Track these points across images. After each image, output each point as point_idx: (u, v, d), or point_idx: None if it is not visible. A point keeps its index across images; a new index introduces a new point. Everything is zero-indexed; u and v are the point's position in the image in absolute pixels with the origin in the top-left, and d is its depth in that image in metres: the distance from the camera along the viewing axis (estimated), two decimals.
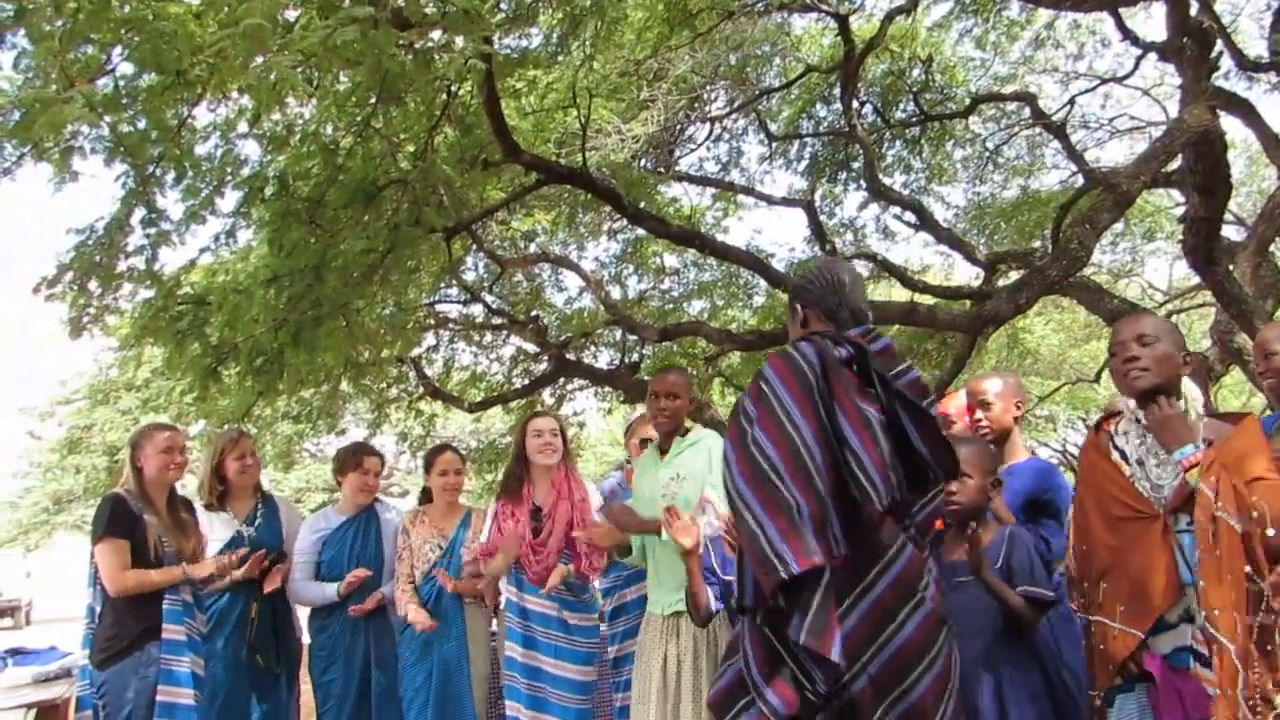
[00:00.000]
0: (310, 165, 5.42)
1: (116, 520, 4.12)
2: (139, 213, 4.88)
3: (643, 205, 8.18)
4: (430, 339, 12.04)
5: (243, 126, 5.55)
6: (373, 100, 5.14)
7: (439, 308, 11.60)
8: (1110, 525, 2.75)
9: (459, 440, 17.91)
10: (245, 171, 5.28)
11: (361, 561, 4.84)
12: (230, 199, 5.37)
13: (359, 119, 5.41)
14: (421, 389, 11.90)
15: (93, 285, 5.10)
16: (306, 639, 4.95)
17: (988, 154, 12.35)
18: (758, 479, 2.27)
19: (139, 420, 13.41)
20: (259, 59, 3.31)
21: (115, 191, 4.99)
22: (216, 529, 4.57)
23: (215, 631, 4.45)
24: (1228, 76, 9.02)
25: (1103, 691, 2.77)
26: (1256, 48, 8.97)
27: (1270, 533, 2.27)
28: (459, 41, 4.54)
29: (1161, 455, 2.68)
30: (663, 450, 4.08)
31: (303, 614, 5.00)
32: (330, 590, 4.72)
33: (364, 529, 4.93)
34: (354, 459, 4.98)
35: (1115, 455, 2.80)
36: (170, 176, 4.97)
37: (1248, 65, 8.69)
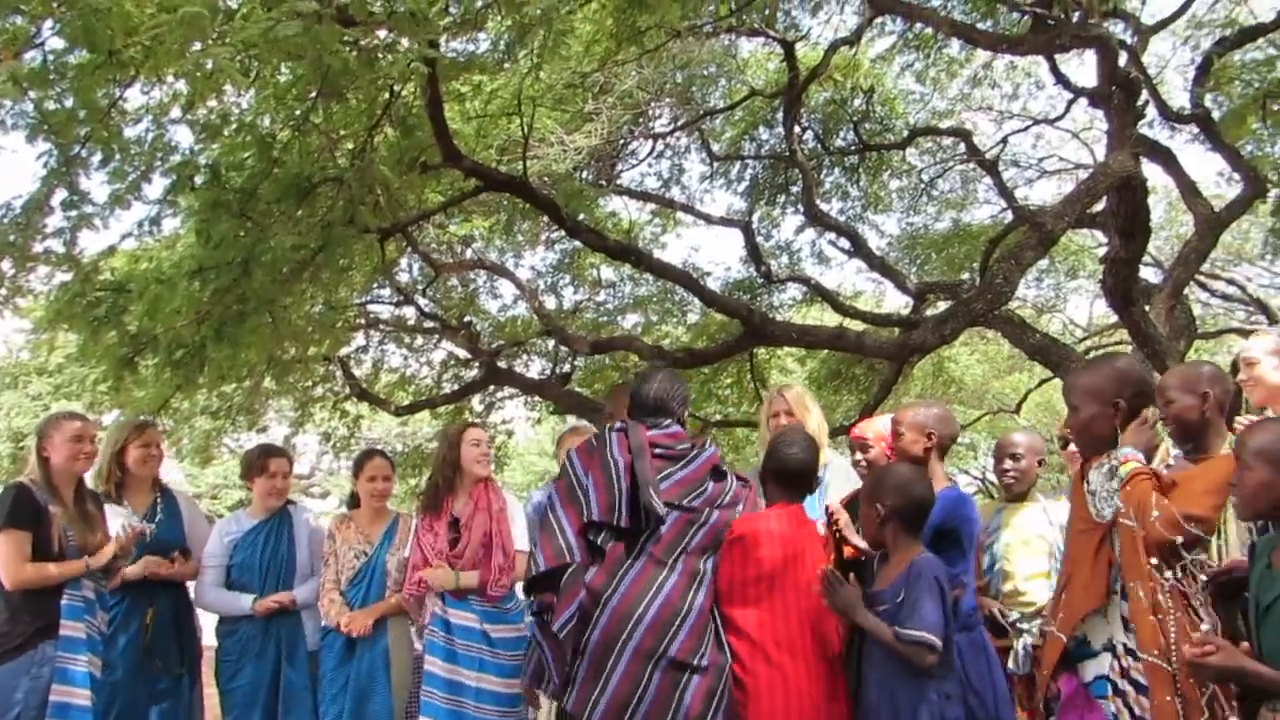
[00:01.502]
0: (245, 156, 5.30)
1: (19, 510, 3.99)
2: (60, 194, 4.72)
3: (582, 218, 8.17)
4: (360, 339, 11.88)
5: (176, 112, 5.42)
6: (313, 95, 5.05)
7: (370, 308, 11.45)
8: (1073, 542, 2.93)
9: (384, 443, 17.65)
10: (176, 159, 5.13)
11: (274, 565, 4.78)
12: (158, 185, 5.23)
13: (298, 113, 5.31)
14: (348, 389, 11.72)
15: (6, 265, 4.93)
16: (209, 642, 4.84)
17: (922, 186, 12.63)
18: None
19: (49, 407, 13.00)
20: (196, 45, 3.24)
21: (36, 170, 4.82)
22: (110, 522, 4.42)
23: (114, 634, 4.32)
24: (1152, 125, 9.38)
25: (1043, 699, 2.87)
26: (1180, 99, 9.33)
27: (1154, 514, 2.53)
28: (404, 42, 4.50)
29: (1109, 495, 2.81)
30: None
31: (208, 617, 4.88)
32: (244, 602, 4.64)
33: (276, 532, 4.86)
34: (259, 462, 4.90)
35: (1085, 485, 2.93)
36: (96, 158, 4.81)
37: (1171, 116, 9.01)
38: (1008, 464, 4.32)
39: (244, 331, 5.03)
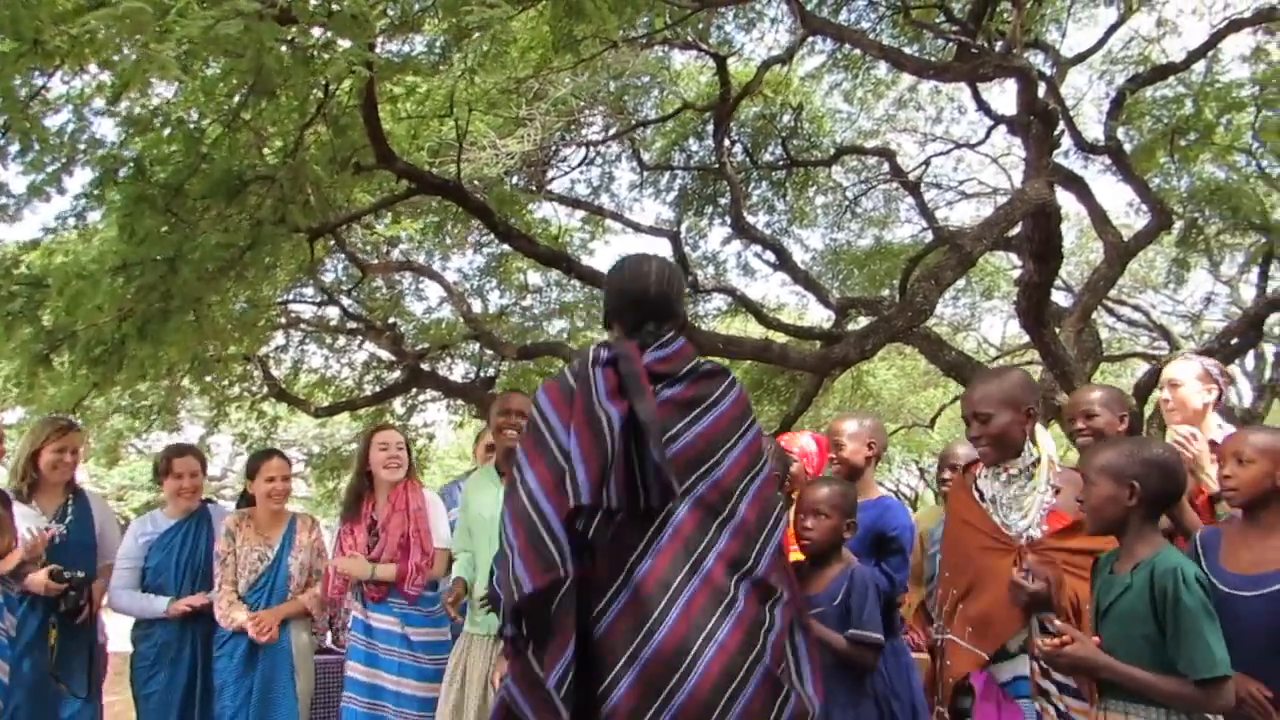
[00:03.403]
0: (171, 150, 5.19)
1: None
2: None
3: (512, 223, 8.17)
4: (279, 338, 11.67)
5: (99, 102, 5.28)
6: (244, 91, 4.97)
7: (292, 307, 11.26)
8: (971, 554, 2.98)
9: (301, 445, 17.36)
10: (100, 151, 5.00)
11: (191, 567, 4.63)
12: (81, 178, 5.10)
13: (228, 109, 5.22)
14: (266, 389, 11.50)
15: None
16: (114, 648, 4.70)
17: (847, 203, 12.89)
18: (511, 500, 2.27)
19: None
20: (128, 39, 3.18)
21: None
22: (19, 524, 4.25)
23: (18, 656, 4.14)
24: (1067, 155, 9.72)
25: (946, 706, 2.96)
26: (1094, 131, 9.69)
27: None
28: (341, 42, 4.46)
29: (1013, 502, 2.95)
30: (502, 472, 4.07)
31: (121, 621, 4.75)
32: (159, 604, 4.49)
33: (194, 533, 4.70)
34: (166, 463, 4.75)
35: (975, 494, 3.04)
36: (15, 148, 4.67)
37: (1085, 146, 9.37)
38: (947, 474, 4.28)
39: (167, 329, 4.92)
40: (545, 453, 2.28)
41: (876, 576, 3.30)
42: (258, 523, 4.64)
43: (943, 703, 3.01)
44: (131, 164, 5.10)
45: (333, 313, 11.41)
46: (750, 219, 10.96)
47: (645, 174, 11.82)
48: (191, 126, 5.13)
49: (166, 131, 5.13)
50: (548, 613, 2.15)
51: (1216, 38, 8.78)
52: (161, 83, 5.21)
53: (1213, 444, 3.41)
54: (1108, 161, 9.35)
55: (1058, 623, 2.53)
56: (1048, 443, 3.03)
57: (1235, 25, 8.73)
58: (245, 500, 4.81)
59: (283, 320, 10.97)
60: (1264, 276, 10.56)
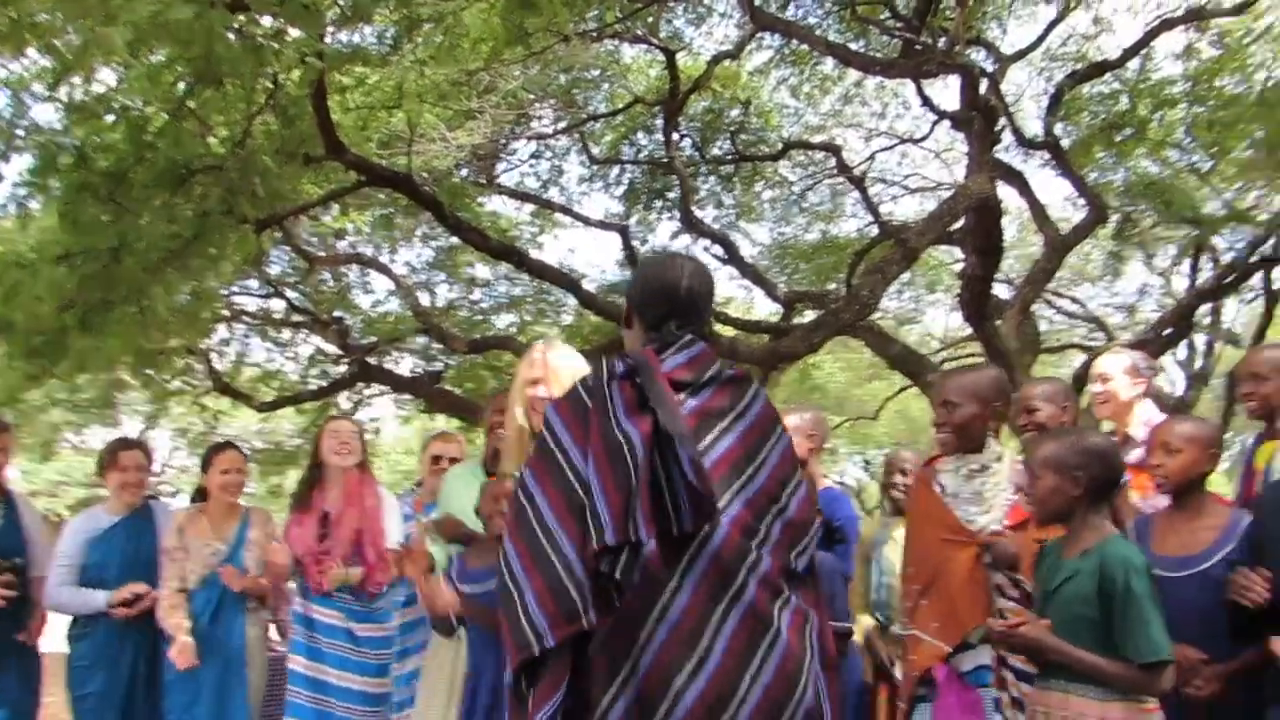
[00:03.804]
0: (114, 138, 5.08)
1: None
2: None
3: (462, 216, 8.13)
4: (223, 331, 11.48)
5: (38, 87, 5.17)
6: (190, 80, 4.89)
7: (236, 300, 11.09)
8: (932, 548, 3.04)
9: (243, 440, 17.08)
10: (40, 137, 4.88)
11: (134, 565, 4.51)
12: (19, 164, 4.97)
13: (174, 97, 5.13)
14: (209, 383, 11.32)
15: None
16: (48, 649, 4.61)
17: (793, 197, 13.00)
18: (521, 530, 2.03)
19: None
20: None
21: None
22: None
23: None
24: (1008, 150, 9.93)
25: (908, 700, 3.03)
26: (1034, 127, 9.90)
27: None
28: (291, 31, 4.42)
29: (974, 498, 3.03)
30: (489, 471, 4.03)
31: (55, 621, 4.64)
32: (99, 598, 4.38)
33: (137, 530, 4.60)
34: (111, 455, 4.65)
35: (937, 488, 3.11)
36: None
37: (1025, 142, 9.58)
38: (897, 478, 4.26)
39: (110, 321, 4.83)
40: (559, 478, 2.04)
41: (839, 565, 3.35)
42: (211, 517, 4.56)
43: (902, 697, 3.08)
44: (73, 151, 4.99)
45: (278, 305, 11.26)
46: (698, 213, 11.02)
47: (594, 168, 11.83)
48: (135, 114, 5.03)
49: (110, 119, 5.03)
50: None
51: (1150, 36, 9.03)
52: (105, 69, 5.12)
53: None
54: (1047, 156, 9.55)
55: (1012, 605, 2.61)
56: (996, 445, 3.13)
57: (1167, 24, 8.99)
58: (200, 496, 4.76)
59: (226, 313, 10.80)
60: (1195, 269, 10.91)
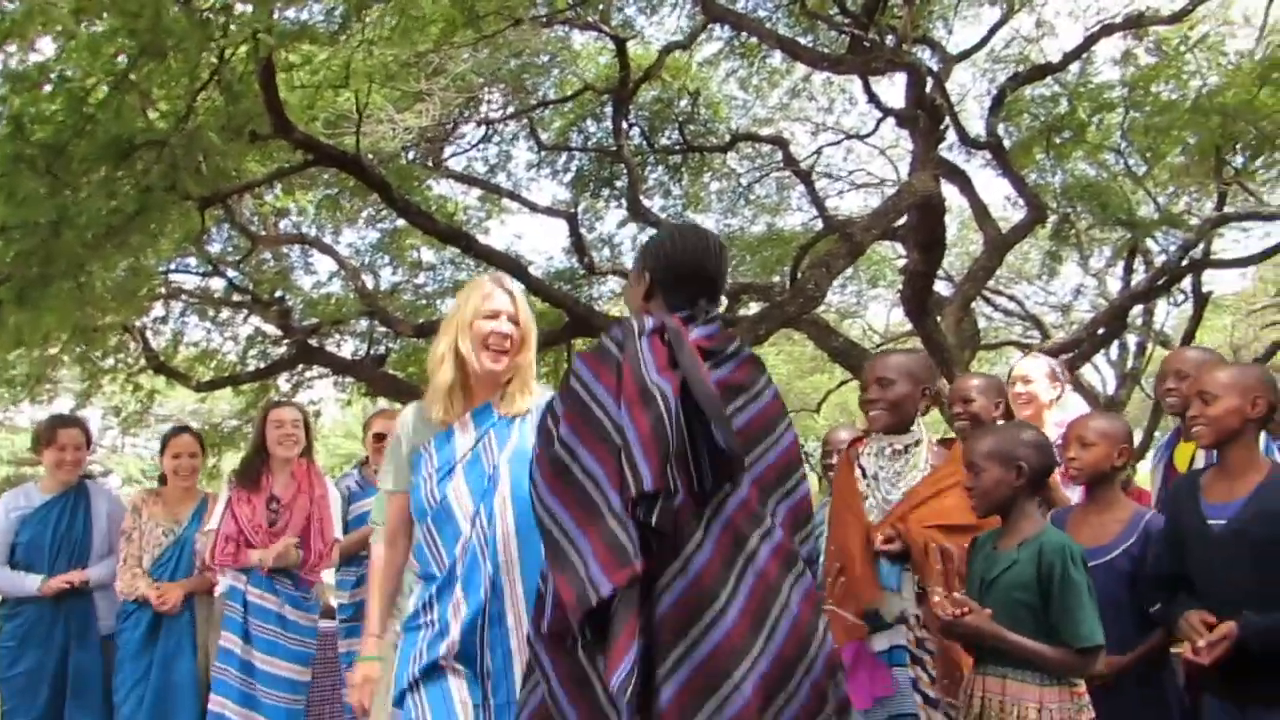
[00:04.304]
0: (53, 109, 4.96)
1: None
2: None
3: (410, 199, 8.07)
4: (159, 309, 11.23)
5: None
6: (133, 51, 4.77)
7: (174, 278, 10.87)
8: (846, 529, 3.13)
9: (178, 420, 16.76)
10: None
11: (67, 544, 4.51)
12: None
13: (116, 69, 5.01)
14: (144, 361, 11.07)
15: None
16: None
17: (741, 189, 13.11)
18: (566, 485, 2.01)
19: None
20: None
21: None
22: None
23: None
24: (951, 149, 10.10)
25: None
26: (977, 127, 10.09)
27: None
28: (239, 6, 4.36)
29: (895, 478, 3.11)
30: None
31: None
32: (31, 583, 4.37)
33: (71, 509, 4.58)
34: (49, 433, 4.61)
35: (858, 471, 3.19)
36: None
37: (968, 141, 9.75)
38: (833, 459, 4.25)
39: (48, 295, 4.72)
40: (597, 430, 2.04)
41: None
42: (166, 500, 4.61)
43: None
44: (9, 121, 4.85)
45: (217, 284, 11.06)
46: (646, 202, 11.07)
47: (543, 154, 11.80)
48: (75, 85, 4.91)
49: (48, 89, 4.90)
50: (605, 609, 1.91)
51: (1090, 41, 9.27)
52: (44, 38, 4.99)
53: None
54: (988, 156, 9.76)
55: (957, 595, 2.69)
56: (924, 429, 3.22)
57: (1107, 30, 9.24)
58: (162, 480, 4.77)
59: (163, 290, 10.57)
60: (1128, 270, 11.20)
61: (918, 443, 3.13)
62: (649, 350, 2.07)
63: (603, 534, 1.94)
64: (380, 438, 4.76)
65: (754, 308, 10.95)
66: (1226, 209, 10.06)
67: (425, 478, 2.70)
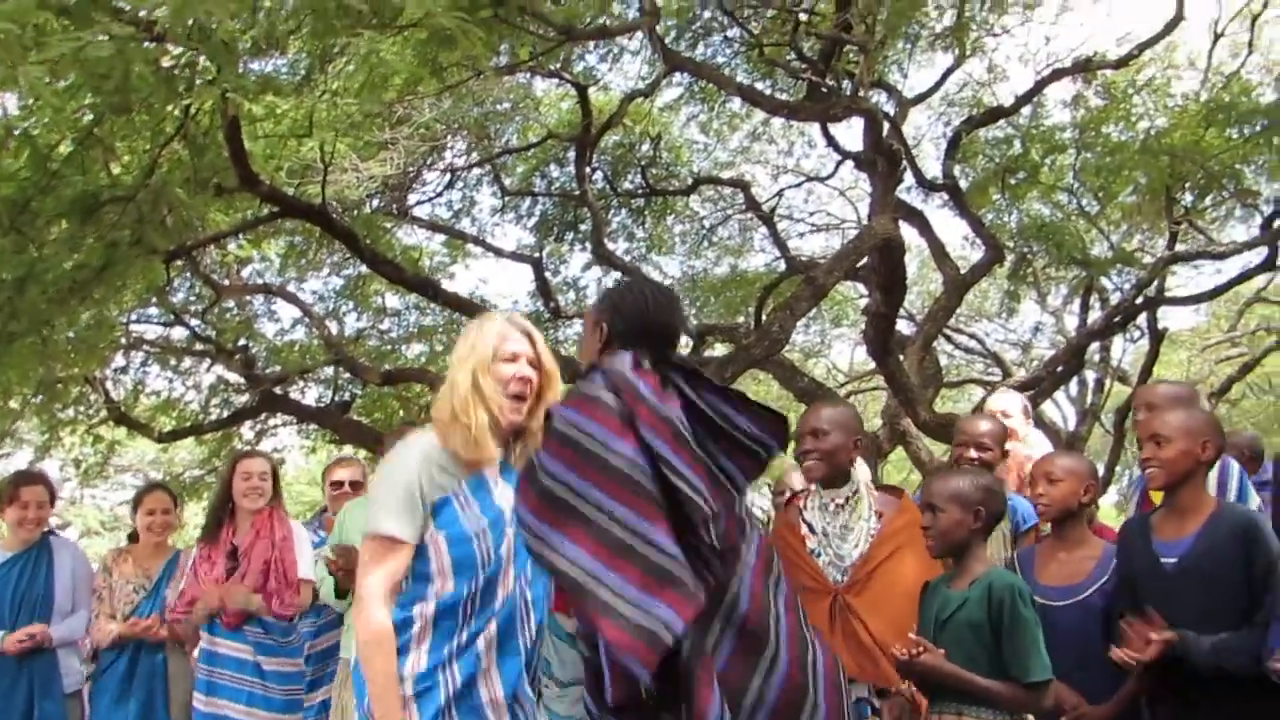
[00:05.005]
0: (17, 166, 4.94)
1: None
2: None
3: (372, 245, 8.08)
4: (120, 359, 11.10)
5: None
6: (100, 109, 4.78)
7: (135, 328, 10.76)
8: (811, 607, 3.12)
9: (139, 472, 16.51)
10: None
11: (28, 601, 4.46)
12: None
13: (80, 126, 5.01)
14: (105, 412, 10.92)
15: None
16: None
17: (704, 232, 13.25)
18: (598, 536, 1.94)
19: None
20: None
21: None
22: None
23: None
24: (909, 190, 10.31)
25: None
26: (934, 169, 10.30)
27: None
28: (202, 60, 4.37)
29: (843, 531, 3.14)
30: None
31: None
32: None
33: (33, 565, 4.54)
34: (11, 490, 4.59)
35: (803, 528, 3.21)
36: None
37: (925, 183, 9.97)
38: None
39: (10, 352, 4.68)
40: (605, 469, 1.98)
41: None
42: (137, 556, 4.63)
43: None
44: None
45: (179, 334, 10.96)
46: (610, 245, 11.13)
47: (507, 199, 11.87)
48: (40, 141, 4.89)
49: (12, 145, 4.88)
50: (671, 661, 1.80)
51: (1040, 84, 9.53)
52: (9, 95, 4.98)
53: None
54: (946, 197, 9.96)
55: (912, 635, 2.74)
56: (864, 472, 3.25)
57: (1057, 74, 9.52)
58: (133, 537, 4.79)
59: (124, 341, 10.45)
60: (1085, 308, 11.41)
61: (857, 493, 3.17)
62: (642, 383, 2.09)
63: (653, 573, 1.85)
64: (338, 485, 4.78)
65: (719, 349, 11.03)
66: (1178, 247, 10.30)
67: (478, 534, 2.33)
